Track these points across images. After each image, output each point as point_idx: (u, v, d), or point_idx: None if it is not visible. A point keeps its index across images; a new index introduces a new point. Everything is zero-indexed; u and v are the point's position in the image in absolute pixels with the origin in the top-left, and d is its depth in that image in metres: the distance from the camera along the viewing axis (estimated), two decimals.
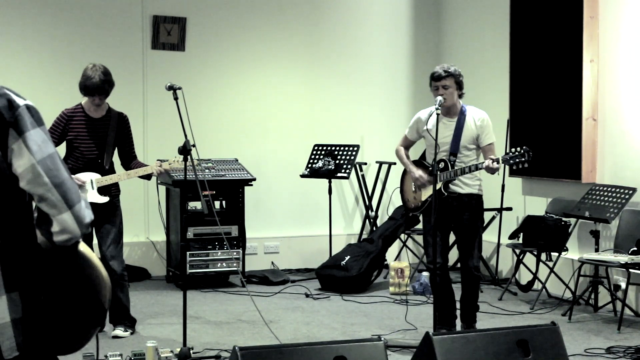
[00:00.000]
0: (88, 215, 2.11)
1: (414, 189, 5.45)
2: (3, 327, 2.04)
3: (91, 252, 2.27)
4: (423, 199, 5.33)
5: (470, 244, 5.25)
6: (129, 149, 5.66)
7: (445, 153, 5.19)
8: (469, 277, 5.30)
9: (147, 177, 5.72)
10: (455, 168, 5.14)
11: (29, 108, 2.08)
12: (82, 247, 2.23)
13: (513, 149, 5.04)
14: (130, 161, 5.66)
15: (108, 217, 5.52)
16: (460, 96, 5.29)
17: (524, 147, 4.98)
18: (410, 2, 8.77)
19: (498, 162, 4.98)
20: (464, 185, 5.23)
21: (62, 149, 5.46)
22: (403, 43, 8.76)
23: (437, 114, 4.96)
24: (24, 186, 2.05)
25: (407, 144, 5.55)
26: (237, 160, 7.65)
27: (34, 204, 2.17)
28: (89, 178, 5.45)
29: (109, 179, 5.50)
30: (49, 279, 2.15)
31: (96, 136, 5.49)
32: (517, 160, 4.97)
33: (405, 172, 5.60)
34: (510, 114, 7.51)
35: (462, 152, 5.21)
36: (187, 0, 7.96)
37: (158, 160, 5.78)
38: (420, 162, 5.51)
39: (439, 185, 5.14)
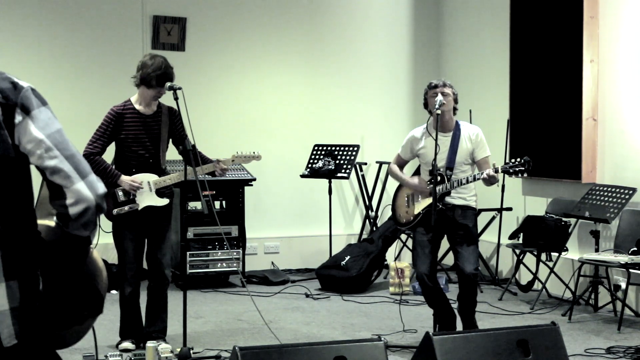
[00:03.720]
0: (101, 187, 2.13)
1: (406, 204, 5.42)
2: (2, 315, 2.05)
3: None
4: (415, 212, 5.29)
5: (468, 249, 5.18)
6: (182, 142, 5.24)
7: (441, 168, 5.17)
8: (467, 282, 5.23)
9: (210, 174, 5.36)
10: (452, 180, 5.14)
11: (32, 89, 2.13)
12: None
13: (513, 159, 5.06)
14: (190, 154, 5.25)
15: (163, 221, 5.26)
16: (454, 111, 5.28)
17: (525, 158, 4.99)
18: (410, 2, 8.77)
19: (497, 172, 4.99)
20: (459, 198, 5.22)
21: (109, 152, 5.25)
22: (403, 43, 8.76)
23: (438, 114, 4.96)
24: (35, 162, 2.07)
25: (401, 163, 5.51)
26: None
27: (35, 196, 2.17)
28: (146, 180, 5.17)
29: (167, 180, 5.22)
30: (47, 269, 2.15)
31: (150, 134, 5.16)
32: (517, 169, 4.98)
33: (399, 188, 5.56)
34: (510, 114, 7.52)
35: (458, 168, 5.19)
36: (187, 0, 7.97)
37: (217, 159, 5.47)
38: (416, 177, 5.49)
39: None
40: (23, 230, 2.10)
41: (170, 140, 5.33)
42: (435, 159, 5.01)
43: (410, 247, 8.43)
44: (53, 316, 2.17)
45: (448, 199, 5.19)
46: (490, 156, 5.27)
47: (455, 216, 5.21)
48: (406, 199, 5.42)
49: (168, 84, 5.05)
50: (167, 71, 5.08)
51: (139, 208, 5.17)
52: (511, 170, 5.00)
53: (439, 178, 5.07)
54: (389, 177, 8.26)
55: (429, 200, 5.09)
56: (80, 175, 2.08)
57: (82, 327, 2.27)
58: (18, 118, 2.06)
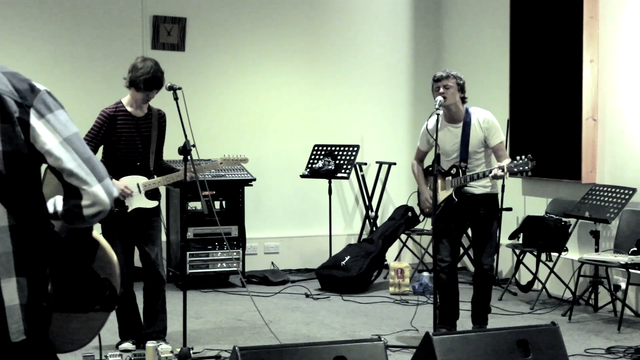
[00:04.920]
0: (115, 190, 2.18)
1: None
2: (12, 309, 2.07)
3: (100, 236, 2.31)
4: (439, 201, 5.34)
5: (483, 241, 5.30)
6: (158, 149, 5.34)
7: (455, 160, 5.24)
8: (481, 276, 5.33)
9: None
10: (466, 174, 5.19)
11: (49, 93, 2.16)
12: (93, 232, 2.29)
13: (518, 157, 5.08)
14: (157, 161, 5.35)
15: (153, 222, 5.28)
16: (463, 100, 5.29)
17: (528, 155, 5.02)
18: (410, 2, 8.77)
19: (503, 171, 5.02)
20: (478, 186, 5.27)
21: (99, 155, 5.22)
22: (403, 43, 8.76)
23: (438, 114, 4.98)
24: (52, 163, 2.10)
25: (421, 156, 5.61)
26: None
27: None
28: (136, 182, 5.17)
29: (156, 182, 5.23)
30: (59, 265, 2.18)
31: (141, 137, 5.17)
32: (521, 168, 5.01)
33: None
34: (510, 114, 7.52)
35: (472, 157, 5.24)
36: (187, 0, 7.97)
37: (209, 159, 5.45)
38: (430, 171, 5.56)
39: (450, 192, 5.25)
40: (36, 226, 2.13)
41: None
42: (436, 160, 5.04)
43: (410, 248, 8.45)
44: (65, 312, 2.19)
45: (468, 189, 5.27)
46: (504, 141, 5.31)
47: (477, 206, 5.27)
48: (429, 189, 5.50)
49: (168, 84, 5.06)
50: (155, 75, 5.06)
51: (129, 210, 5.19)
52: (515, 170, 5.02)
53: (454, 171, 5.19)
54: (389, 177, 8.30)
55: (445, 195, 5.25)
56: (97, 178, 2.13)
57: (96, 323, 2.31)
58: (33, 119, 2.09)
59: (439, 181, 5.38)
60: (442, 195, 5.30)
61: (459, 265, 8.09)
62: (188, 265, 7.09)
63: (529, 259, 6.93)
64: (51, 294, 2.16)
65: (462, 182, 5.21)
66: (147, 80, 5.04)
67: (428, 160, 5.73)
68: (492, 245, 5.33)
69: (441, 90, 5.18)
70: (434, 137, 4.98)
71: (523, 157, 5.04)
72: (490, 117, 5.29)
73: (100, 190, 2.11)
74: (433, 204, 5.03)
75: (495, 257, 5.39)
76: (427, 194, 5.47)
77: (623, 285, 6.04)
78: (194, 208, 7.32)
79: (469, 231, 5.81)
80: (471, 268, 7.41)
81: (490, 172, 5.04)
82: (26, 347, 2.10)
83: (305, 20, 8.39)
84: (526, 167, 4.99)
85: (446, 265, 5.26)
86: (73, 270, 2.20)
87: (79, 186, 2.10)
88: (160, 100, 5.42)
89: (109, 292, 2.27)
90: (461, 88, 5.27)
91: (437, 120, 4.98)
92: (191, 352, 4.98)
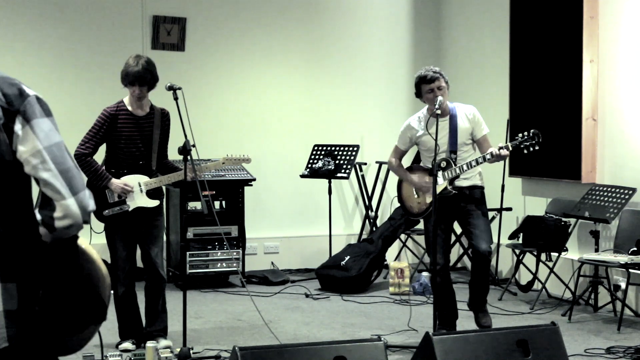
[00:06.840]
0: (91, 204, 2.13)
1: (416, 195, 5.43)
2: None
3: (90, 247, 2.28)
4: (428, 202, 5.30)
5: (480, 227, 5.18)
6: (163, 148, 5.36)
7: (444, 153, 5.19)
8: (481, 261, 5.18)
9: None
10: (460, 164, 5.15)
11: (38, 99, 2.12)
12: (81, 241, 2.24)
13: (521, 134, 5.02)
14: (162, 160, 5.37)
15: (155, 221, 5.28)
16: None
17: (533, 130, 4.95)
18: (410, 2, 8.77)
19: (508, 149, 4.96)
20: (464, 180, 5.25)
21: (100, 153, 5.25)
22: (403, 43, 8.76)
23: (437, 114, 4.96)
24: (29, 171, 2.07)
25: (399, 155, 5.50)
26: None
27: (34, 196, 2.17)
28: (137, 181, 5.18)
29: (158, 182, 5.24)
30: (48, 274, 2.15)
31: (142, 136, 5.18)
32: (527, 143, 4.94)
33: (401, 181, 5.57)
34: (510, 114, 7.52)
35: (461, 149, 5.22)
36: (187, 0, 7.97)
37: (209, 159, 5.46)
38: (418, 167, 5.48)
39: (445, 184, 5.16)
40: (22, 233, 2.10)
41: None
42: (435, 159, 5.02)
43: (410, 248, 8.45)
44: (54, 322, 2.16)
45: (457, 182, 5.21)
46: (489, 132, 5.29)
47: (463, 197, 5.23)
48: (414, 189, 5.42)
49: (168, 84, 5.06)
50: (141, 70, 5.04)
51: (130, 209, 5.19)
52: (522, 146, 4.97)
53: (444, 164, 5.10)
54: (389, 177, 8.29)
55: (439, 189, 5.14)
56: (72, 191, 2.08)
57: (85, 334, 2.27)
58: (18, 125, 2.06)
59: (426, 178, 5.28)
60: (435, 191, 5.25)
61: (459, 265, 8.11)
62: (188, 265, 7.09)
63: (529, 259, 6.93)
64: (43, 297, 2.13)
65: (458, 172, 5.13)
66: (134, 74, 5.04)
67: (406, 162, 5.68)
68: (487, 229, 5.19)
69: (436, 92, 5.15)
70: (433, 136, 4.96)
71: (526, 132, 4.96)
72: (475, 110, 5.29)
73: (73, 203, 2.07)
74: (433, 206, 4.99)
75: (490, 242, 5.24)
76: (416, 177, 5.34)
77: (623, 285, 6.04)
78: (194, 208, 7.32)
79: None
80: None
81: (491, 153, 4.98)
82: (11, 353, 2.07)
83: (305, 20, 8.39)
84: (533, 142, 4.91)
85: (439, 268, 5.20)
86: (60, 278, 2.17)
87: (52, 197, 2.07)
88: (161, 101, 5.43)
89: (99, 305, 2.24)
90: (448, 85, 5.26)
91: (437, 122, 4.95)
92: (191, 352, 4.98)
